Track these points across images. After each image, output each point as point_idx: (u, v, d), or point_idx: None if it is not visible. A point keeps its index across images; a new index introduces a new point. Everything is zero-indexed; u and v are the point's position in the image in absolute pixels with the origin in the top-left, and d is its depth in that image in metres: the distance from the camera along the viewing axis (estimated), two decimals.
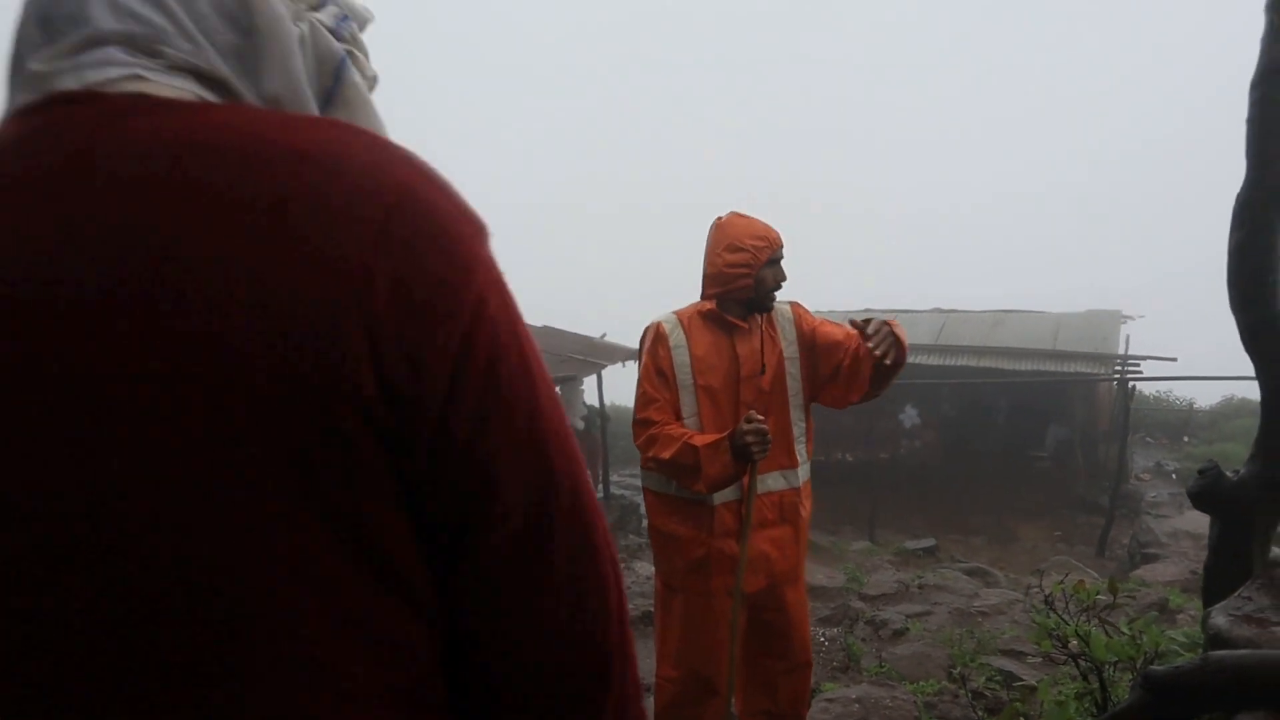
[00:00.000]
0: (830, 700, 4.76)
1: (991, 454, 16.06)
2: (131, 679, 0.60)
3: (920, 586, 7.79)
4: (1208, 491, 3.19)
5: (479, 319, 0.67)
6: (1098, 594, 3.61)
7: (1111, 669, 3.44)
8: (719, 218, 3.21)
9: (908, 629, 6.50)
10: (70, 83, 0.65)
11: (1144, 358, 14.14)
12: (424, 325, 0.63)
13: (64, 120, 0.64)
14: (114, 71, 0.66)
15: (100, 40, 0.66)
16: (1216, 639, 2.60)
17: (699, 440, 2.94)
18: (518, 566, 0.71)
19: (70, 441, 0.59)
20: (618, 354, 14.18)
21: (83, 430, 0.59)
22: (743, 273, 3.07)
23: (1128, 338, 14.57)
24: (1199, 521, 11.49)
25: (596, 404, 15.24)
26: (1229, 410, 20.77)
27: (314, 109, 0.77)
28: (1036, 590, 5.75)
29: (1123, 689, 3.48)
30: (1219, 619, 2.66)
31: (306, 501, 0.61)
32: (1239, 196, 2.81)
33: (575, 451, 0.75)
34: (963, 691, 4.90)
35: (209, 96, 0.70)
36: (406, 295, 0.62)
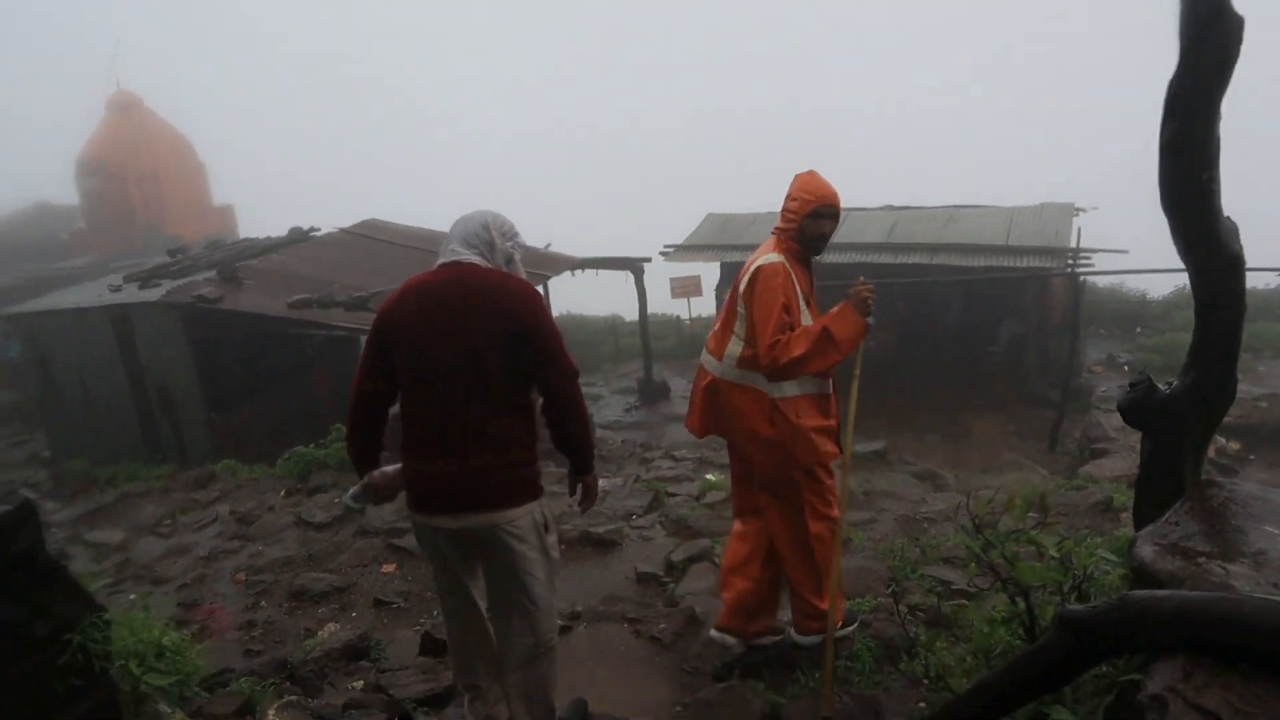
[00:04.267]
0: None
1: (945, 351, 16.00)
2: (459, 398, 3.03)
3: (866, 493, 7.70)
4: (1138, 406, 3.00)
5: (539, 326, 3.08)
6: (1028, 512, 3.43)
7: (1042, 592, 3.28)
8: (802, 172, 4.00)
9: (850, 539, 6.39)
10: (450, 257, 3.13)
11: (1096, 250, 14.02)
12: (530, 330, 3.04)
13: (449, 268, 3.11)
14: (464, 255, 3.12)
15: (458, 249, 3.14)
16: (1141, 571, 2.42)
17: (824, 320, 3.76)
18: (555, 379, 3.11)
19: (449, 340, 3.02)
20: (563, 263, 13.87)
21: (452, 337, 3.01)
22: (791, 219, 3.94)
23: (1080, 230, 14.41)
24: None
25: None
26: (1181, 300, 20.78)
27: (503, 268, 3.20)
28: (978, 498, 5.62)
29: (1052, 611, 3.34)
30: (1144, 549, 2.48)
31: (501, 350, 3.02)
32: (1170, 85, 2.54)
33: (569, 360, 3.14)
34: (899, 608, 4.78)
35: (481, 263, 3.12)
36: (523, 321, 3.04)
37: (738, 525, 4.37)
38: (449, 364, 2.99)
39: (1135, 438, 10.24)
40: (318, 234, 15.04)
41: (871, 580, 5.60)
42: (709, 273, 18.18)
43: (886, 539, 6.62)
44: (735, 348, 3.93)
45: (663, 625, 4.99)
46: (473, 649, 3.41)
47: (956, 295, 16.56)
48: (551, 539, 3.29)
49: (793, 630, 4.34)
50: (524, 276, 3.24)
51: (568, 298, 22.05)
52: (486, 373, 2.98)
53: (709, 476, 8.57)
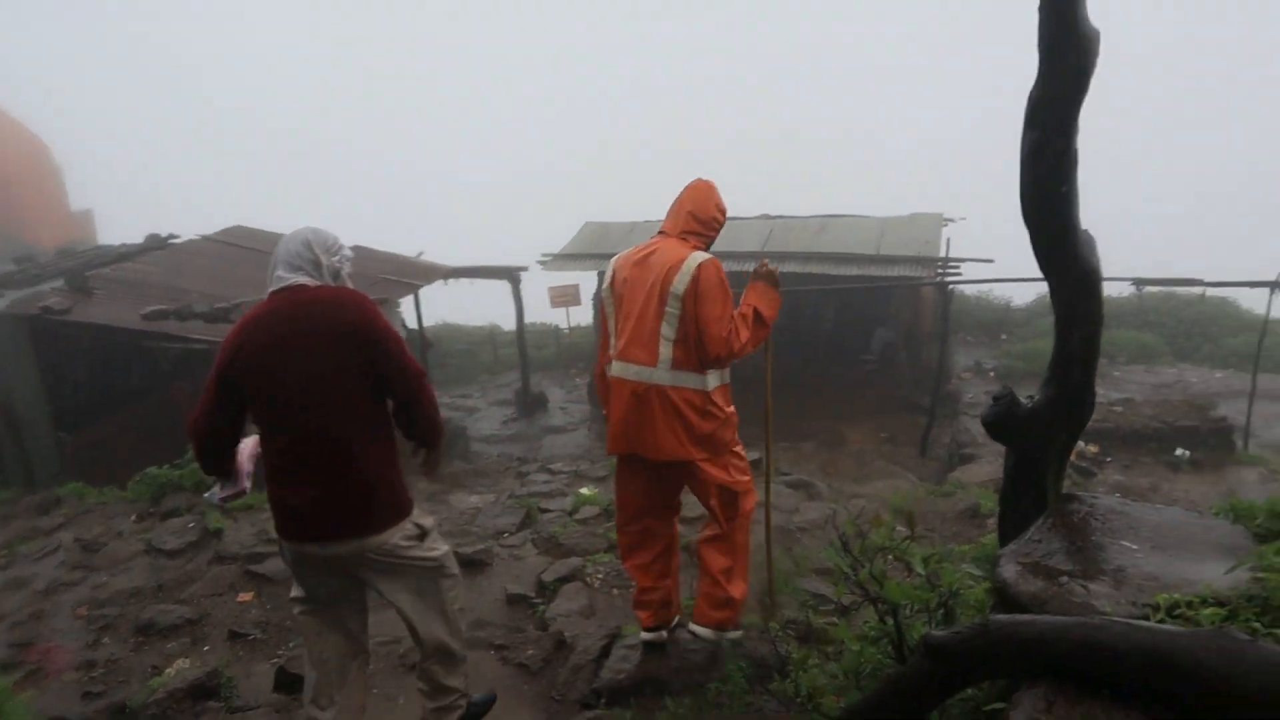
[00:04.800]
0: (629, 647, 4.50)
1: (820, 359, 16.20)
2: (317, 423, 3.03)
3: None
4: (1001, 419, 2.97)
5: (376, 333, 3.07)
6: (894, 528, 3.38)
7: (909, 608, 3.23)
8: (703, 179, 4.27)
9: None
10: (278, 284, 3.11)
11: (964, 259, 14.39)
12: (368, 339, 3.05)
13: (279, 295, 3.09)
14: (290, 279, 3.10)
15: (283, 275, 3.12)
16: (1004, 592, 2.36)
17: (750, 302, 4.04)
18: (400, 380, 3.13)
19: (296, 366, 3.01)
20: (435, 273, 13.51)
21: (299, 363, 3.00)
22: (715, 228, 4.24)
23: (949, 240, 14.79)
24: None
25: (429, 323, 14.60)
26: (1042, 308, 21.62)
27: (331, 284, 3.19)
28: (847, 511, 5.60)
29: (920, 629, 3.30)
30: (1008, 569, 2.42)
31: (351, 363, 3.05)
32: (1030, 96, 2.51)
33: (411, 360, 3.16)
34: (771, 625, 4.71)
35: (309, 282, 3.11)
36: (360, 330, 3.04)
37: (644, 524, 4.34)
38: (301, 389, 2.98)
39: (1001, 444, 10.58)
40: (178, 241, 14.31)
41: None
42: (587, 282, 18.06)
43: (760, 550, 6.58)
44: (667, 350, 3.93)
45: (531, 651, 4.82)
46: (329, 668, 3.34)
47: (830, 304, 16.81)
48: (430, 544, 3.31)
49: (693, 624, 4.38)
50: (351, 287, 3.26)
51: (445, 307, 21.66)
52: (339, 392, 3.01)
53: (583, 490, 8.41)
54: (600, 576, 5.85)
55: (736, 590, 4.26)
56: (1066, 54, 2.38)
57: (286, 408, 3.01)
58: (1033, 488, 2.94)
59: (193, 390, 12.76)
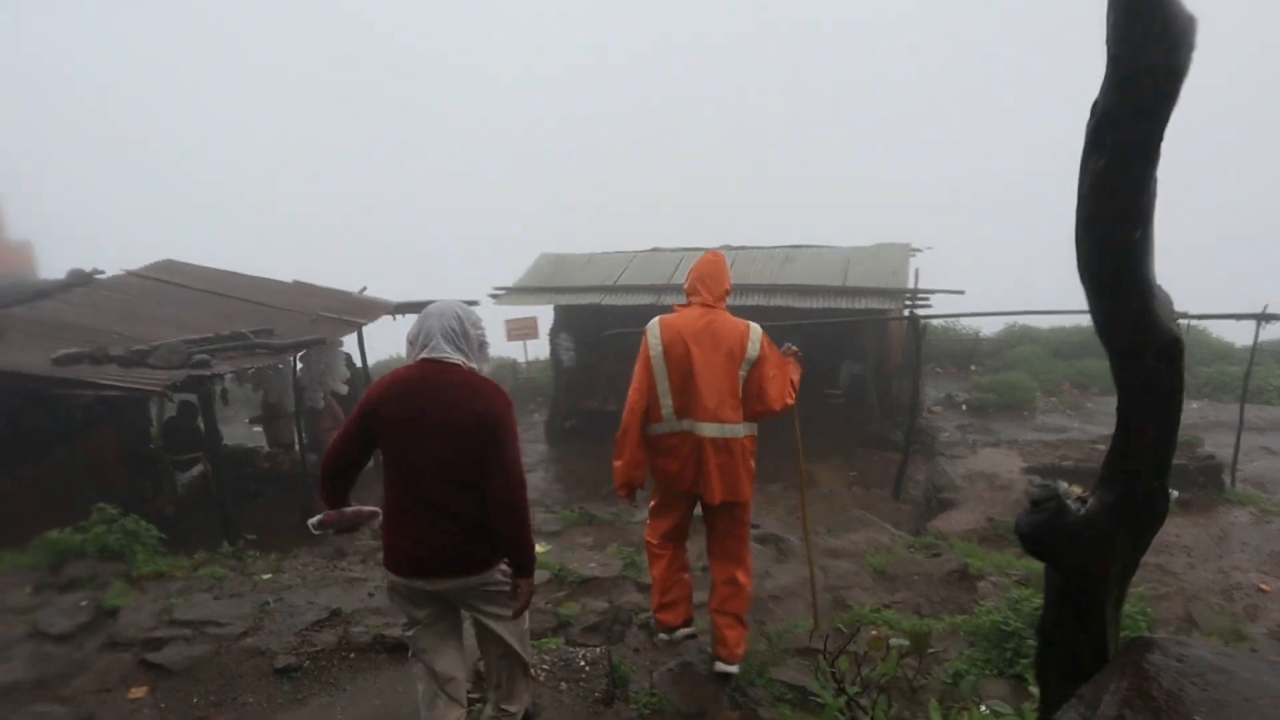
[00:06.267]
0: None
1: None
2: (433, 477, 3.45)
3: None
4: (1045, 531, 2.26)
5: (501, 429, 3.42)
6: (900, 658, 2.69)
7: None
8: (718, 254, 5.07)
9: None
10: (434, 354, 3.49)
11: (933, 291, 13.87)
12: (494, 431, 3.39)
13: (433, 365, 3.48)
14: (447, 354, 3.50)
15: (440, 345, 3.50)
16: None
17: (791, 372, 4.88)
18: (502, 483, 3.39)
19: (429, 441, 3.42)
20: (379, 309, 12.70)
21: (432, 439, 3.41)
22: (726, 297, 4.90)
23: (917, 271, 14.27)
24: (994, 461, 11.22)
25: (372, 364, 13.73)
26: (1011, 338, 21.24)
27: (478, 368, 3.63)
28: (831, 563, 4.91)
29: None
30: None
31: (474, 446, 3.40)
32: (1095, 106, 1.83)
33: (517, 467, 3.49)
34: None
35: (461, 362, 3.52)
36: (488, 422, 3.39)
37: (670, 550, 5.07)
38: (428, 453, 3.44)
39: (983, 487, 9.88)
40: (102, 276, 13.39)
41: (708, 690, 4.80)
42: (544, 315, 17.32)
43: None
44: (737, 410, 4.72)
45: None
46: (439, 678, 3.79)
47: (795, 337, 16.17)
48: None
49: (720, 661, 4.91)
50: (490, 360, 4.02)
51: (396, 343, 20.84)
52: (459, 470, 3.44)
53: (538, 546, 7.65)
54: (546, 668, 5.06)
55: (746, 628, 5.07)
56: (1150, 47, 1.72)
57: (412, 466, 3.49)
58: (1086, 622, 2.26)
59: (117, 438, 11.88)
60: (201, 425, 10.92)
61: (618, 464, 4.77)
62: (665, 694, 4.79)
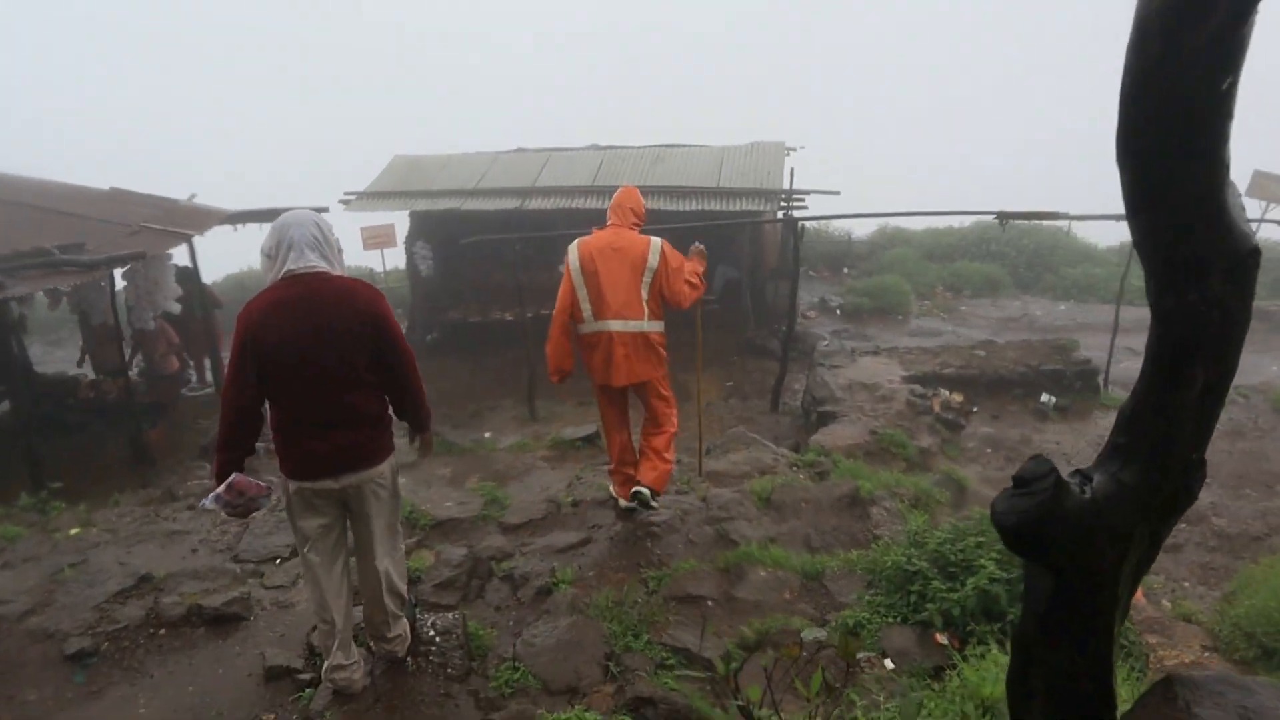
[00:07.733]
0: None
1: None
2: (334, 388, 3.61)
3: (575, 504, 6.26)
4: (1038, 522, 1.61)
5: (386, 324, 3.67)
6: (822, 682, 2.06)
7: None
8: (630, 186, 6.15)
9: (554, 586, 4.94)
10: (303, 266, 3.56)
11: (809, 192, 13.32)
12: (379, 329, 3.63)
13: (305, 281, 3.54)
14: (310, 262, 3.57)
15: (306, 255, 3.58)
16: None
17: (696, 268, 5.85)
18: (398, 364, 3.75)
19: (320, 353, 3.55)
20: (212, 218, 11.39)
21: (323, 350, 3.54)
22: (640, 222, 5.94)
23: (793, 171, 13.65)
24: (873, 370, 10.82)
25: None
26: (884, 240, 21.01)
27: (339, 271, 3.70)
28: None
29: None
30: None
31: (363, 349, 3.63)
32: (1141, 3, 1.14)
33: (407, 348, 3.82)
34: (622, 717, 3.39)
35: (328, 269, 3.60)
36: (374, 322, 3.61)
37: (623, 434, 6.01)
38: (321, 362, 3.57)
39: (864, 398, 9.41)
40: None
41: (582, 661, 4.17)
42: (400, 221, 16.12)
43: (603, 569, 5.24)
44: (645, 307, 5.55)
45: None
46: (329, 593, 3.86)
47: (668, 238, 15.49)
48: (399, 480, 4.05)
49: (639, 486, 5.71)
50: (344, 267, 3.87)
51: (245, 258, 19.35)
52: (354, 369, 3.63)
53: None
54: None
55: (670, 459, 5.91)
56: None
57: (305, 383, 3.58)
58: (1086, 642, 1.65)
59: None
60: None
61: (548, 350, 5.71)
62: (531, 665, 4.14)
